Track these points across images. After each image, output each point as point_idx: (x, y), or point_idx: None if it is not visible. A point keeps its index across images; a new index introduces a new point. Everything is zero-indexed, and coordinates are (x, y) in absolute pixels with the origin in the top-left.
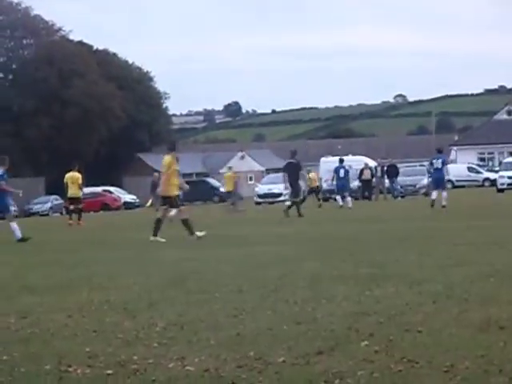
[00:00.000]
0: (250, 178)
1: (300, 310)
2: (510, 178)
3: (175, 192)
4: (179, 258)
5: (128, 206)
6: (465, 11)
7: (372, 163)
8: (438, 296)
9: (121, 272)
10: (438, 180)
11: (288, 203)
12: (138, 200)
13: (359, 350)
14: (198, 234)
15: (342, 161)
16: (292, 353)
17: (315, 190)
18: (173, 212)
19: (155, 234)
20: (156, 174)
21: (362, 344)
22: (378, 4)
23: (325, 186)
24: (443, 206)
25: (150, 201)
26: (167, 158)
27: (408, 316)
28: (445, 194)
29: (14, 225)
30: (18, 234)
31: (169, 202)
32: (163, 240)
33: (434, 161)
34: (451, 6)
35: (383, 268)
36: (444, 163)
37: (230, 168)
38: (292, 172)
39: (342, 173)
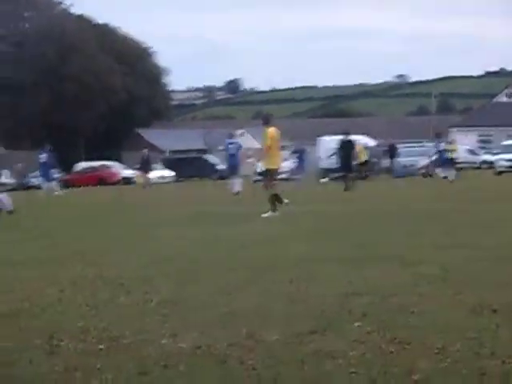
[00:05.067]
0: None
1: (296, 290)
2: (508, 160)
3: (277, 165)
4: (172, 235)
5: (126, 181)
6: None
7: (372, 143)
8: (433, 278)
9: (113, 248)
10: (445, 160)
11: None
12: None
13: (351, 331)
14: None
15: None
16: (285, 332)
17: (362, 164)
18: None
19: (274, 210)
20: (145, 150)
21: (354, 324)
22: None
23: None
24: (451, 182)
25: (141, 176)
26: (271, 131)
27: (401, 297)
28: (453, 171)
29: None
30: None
31: (269, 173)
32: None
33: (439, 144)
34: None
35: (374, 249)
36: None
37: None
38: (345, 149)
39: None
